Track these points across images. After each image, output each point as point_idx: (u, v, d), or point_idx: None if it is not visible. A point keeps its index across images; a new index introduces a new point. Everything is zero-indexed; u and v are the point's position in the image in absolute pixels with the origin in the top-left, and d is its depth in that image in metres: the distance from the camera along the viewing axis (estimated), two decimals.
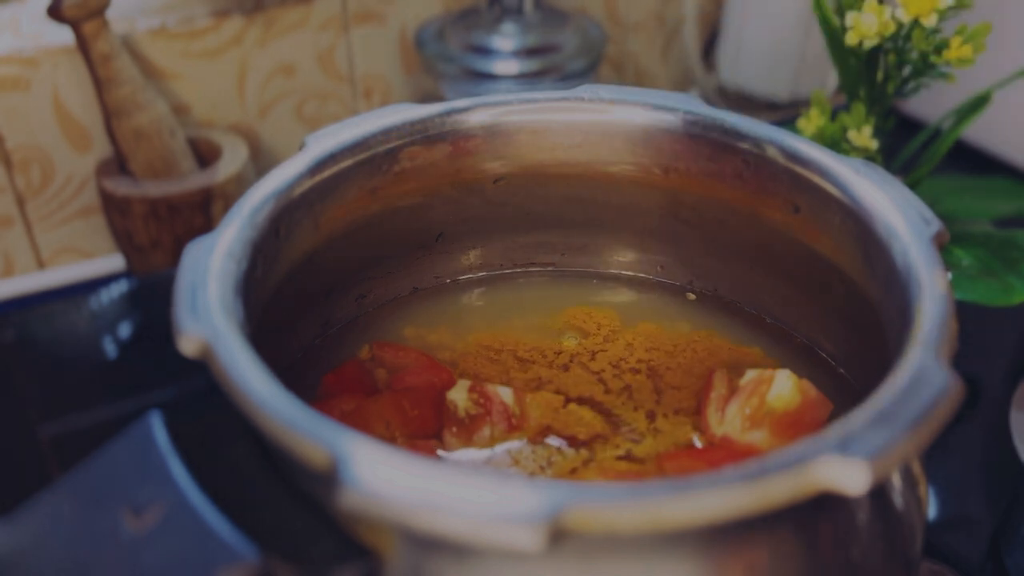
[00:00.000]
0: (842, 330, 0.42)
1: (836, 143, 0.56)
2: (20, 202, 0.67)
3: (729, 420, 0.39)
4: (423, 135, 0.42)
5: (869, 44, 0.52)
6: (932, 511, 0.50)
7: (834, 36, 0.55)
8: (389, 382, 0.41)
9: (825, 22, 0.55)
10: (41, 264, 0.70)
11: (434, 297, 0.47)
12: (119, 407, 0.56)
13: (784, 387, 0.39)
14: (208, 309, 0.32)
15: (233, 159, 0.66)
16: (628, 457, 0.38)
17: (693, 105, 0.43)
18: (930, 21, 0.51)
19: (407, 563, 0.29)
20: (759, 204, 0.42)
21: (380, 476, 0.26)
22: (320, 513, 0.30)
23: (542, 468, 0.38)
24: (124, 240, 0.65)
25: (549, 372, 0.42)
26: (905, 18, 0.51)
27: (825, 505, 0.31)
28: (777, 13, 0.78)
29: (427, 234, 0.46)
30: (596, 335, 0.44)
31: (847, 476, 0.26)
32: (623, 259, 0.48)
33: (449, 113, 0.43)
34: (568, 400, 0.41)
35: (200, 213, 0.64)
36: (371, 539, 0.29)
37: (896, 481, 0.34)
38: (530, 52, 0.67)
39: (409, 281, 0.47)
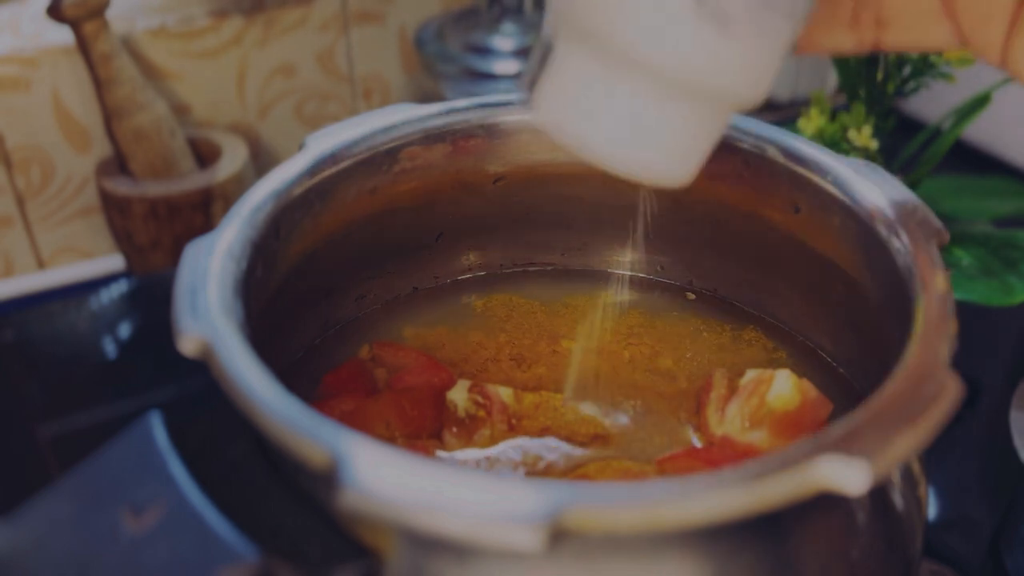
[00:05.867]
0: (842, 330, 0.42)
1: (836, 143, 0.56)
2: (20, 202, 0.67)
3: (729, 420, 0.39)
4: (423, 135, 0.42)
5: None
6: (932, 511, 0.50)
7: None
8: (389, 382, 0.41)
9: None
10: (41, 264, 0.70)
11: (434, 297, 0.47)
12: (119, 407, 0.56)
13: (784, 387, 0.39)
14: (208, 309, 0.32)
15: (233, 159, 0.66)
16: (628, 457, 0.38)
17: None
18: None
19: (407, 563, 0.29)
20: (759, 204, 0.42)
21: (380, 476, 0.26)
22: (320, 513, 0.30)
23: (542, 468, 0.38)
24: (124, 240, 0.66)
25: (549, 372, 0.42)
26: None
27: (825, 505, 0.31)
28: None
29: (427, 234, 0.46)
30: (596, 335, 0.44)
31: (847, 476, 0.26)
32: (623, 259, 0.48)
33: (449, 113, 0.43)
34: (568, 400, 0.41)
35: (200, 213, 0.64)
36: (371, 539, 0.29)
37: (896, 481, 0.34)
38: (530, 52, 0.67)
39: (409, 281, 0.47)
